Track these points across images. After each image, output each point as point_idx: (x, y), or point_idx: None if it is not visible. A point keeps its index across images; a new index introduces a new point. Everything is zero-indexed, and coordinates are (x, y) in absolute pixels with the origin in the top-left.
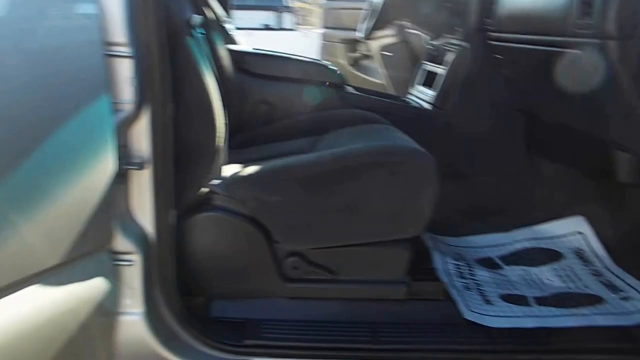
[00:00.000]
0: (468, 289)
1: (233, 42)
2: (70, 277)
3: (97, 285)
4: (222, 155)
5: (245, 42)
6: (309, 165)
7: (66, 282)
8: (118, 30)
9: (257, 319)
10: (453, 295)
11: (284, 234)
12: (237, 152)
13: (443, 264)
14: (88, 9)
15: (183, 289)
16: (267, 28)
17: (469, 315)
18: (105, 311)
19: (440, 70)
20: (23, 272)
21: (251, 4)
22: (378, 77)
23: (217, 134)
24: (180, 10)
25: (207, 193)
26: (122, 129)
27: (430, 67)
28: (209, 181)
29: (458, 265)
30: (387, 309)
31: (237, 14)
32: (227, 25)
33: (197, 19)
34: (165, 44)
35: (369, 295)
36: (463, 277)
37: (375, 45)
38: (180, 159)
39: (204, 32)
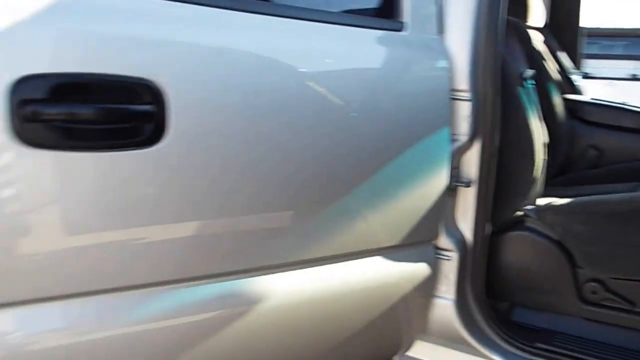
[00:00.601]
0: None
1: (577, 91)
2: (402, 257)
3: (421, 269)
4: (538, 186)
5: (604, 92)
6: (620, 201)
7: (399, 260)
8: (462, 80)
9: (551, 329)
10: None
11: (587, 260)
12: (560, 188)
13: None
14: (442, 64)
15: (490, 291)
16: (634, 78)
17: None
18: (424, 291)
19: None
20: (369, 245)
21: (619, 53)
22: None
23: (535, 168)
24: (516, 65)
25: (521, 215)
26: (457, 155)
27: None
28: (525, 206)
29: None
30: None
31: (601, 63)
32: (572, 76)
33: (529, 72)
34: (499, 92)
35: None
36: None
37: None
38: (502, 183)
39: (534, 83)
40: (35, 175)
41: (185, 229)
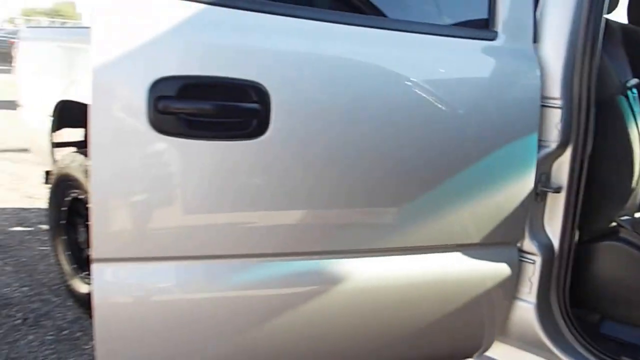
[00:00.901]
0: None
1: None
2: (484, 255)
3: (502, 269)
4: (638, 198)
5: None
6: None
7: (481, 258)
8: (555, 88)
9: None
10: None
11: None
12: None
13: None
14: (534, 71)
15: (578, 300)
16: None
17: None
18: (505, 291)
19: None
20: (452, 240)
21: None
22: None
23: (634, 180)
24: (619, 73)
25: (615, 226)
26: (546, 160)
27: None
28: (621, 216)
29: None
30: None
31: None
32: None
33: (633, 81)
34: (593, 100)
35: None
36: None
37: None
38: (596, 192)
39: (637, 92)
40: (164, 157)
41: (280, 211)
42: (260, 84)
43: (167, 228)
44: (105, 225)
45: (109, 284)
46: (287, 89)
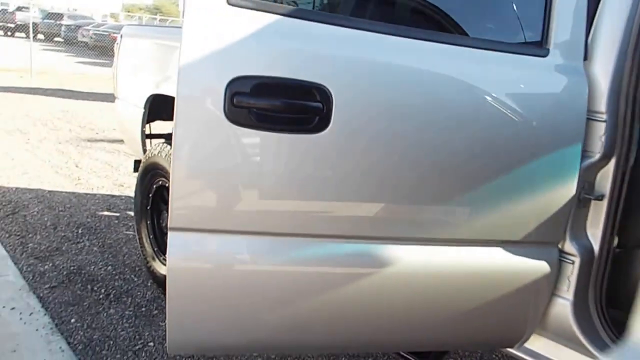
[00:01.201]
0: None
1: None
2: (527, 252)
3: (543, 266)
4: None
5: None
6: None
7: (522, 254)
8: (601, 103)
9: None
10: None
11: None
12: None
13: None
14: (582, 87)
15: (618, 303)
16: None
17: None
18: (544, 287)
19: None
20: (495, 236)
21: None
22: None
23: None
24: None
25: None
26: (590, 169)
27: None
28: None
29: None
30: None
31: None
32: None
33: None
34: (639, 115)
35: None
36: None
37: None
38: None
39: None
40: (236, 145)
41: (337, 196)
42: (325, 86)
43: (234, 206)
44: (181, 198)
45: (180, 250)
46: (348, 91)
